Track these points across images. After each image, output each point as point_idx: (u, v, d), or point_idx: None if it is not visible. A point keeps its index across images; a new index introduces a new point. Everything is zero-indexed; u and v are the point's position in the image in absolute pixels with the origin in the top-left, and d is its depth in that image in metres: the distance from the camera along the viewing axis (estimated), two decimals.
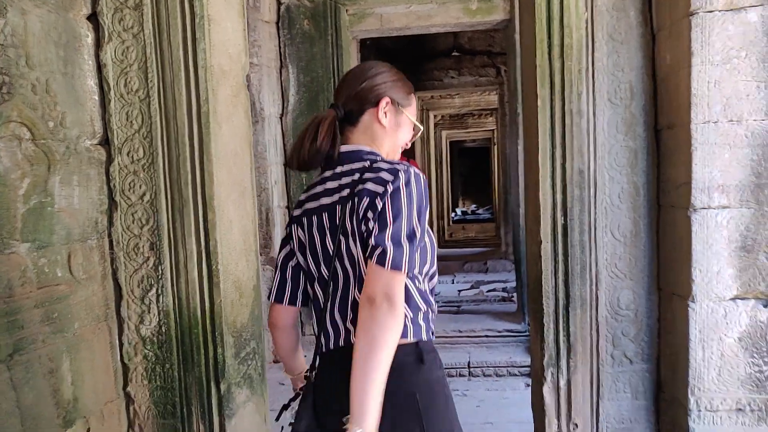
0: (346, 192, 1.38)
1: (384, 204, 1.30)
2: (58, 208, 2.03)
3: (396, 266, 1.26)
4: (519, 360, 4.17)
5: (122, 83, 2.23)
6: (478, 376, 4.13)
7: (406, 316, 1.35)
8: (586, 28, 2.14)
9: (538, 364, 2.32)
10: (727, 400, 2.00)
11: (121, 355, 2.33)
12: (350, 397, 1.21)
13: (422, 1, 4.35)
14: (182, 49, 2.20)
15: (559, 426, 2.27)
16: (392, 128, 1.47)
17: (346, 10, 4.44)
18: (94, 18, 2.21)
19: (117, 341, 2.33)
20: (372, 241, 1.29)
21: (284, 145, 4.49)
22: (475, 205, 20.15)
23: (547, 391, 2.25)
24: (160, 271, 2.28)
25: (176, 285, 2.29)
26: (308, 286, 1.50)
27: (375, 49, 7.35)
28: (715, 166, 1.91)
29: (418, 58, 8.30)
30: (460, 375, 4.16)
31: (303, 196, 1.49)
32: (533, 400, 2.49)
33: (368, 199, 1.32)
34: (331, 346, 1.41)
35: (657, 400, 2.21)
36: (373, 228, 1.30)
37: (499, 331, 4.45)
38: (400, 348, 1.29)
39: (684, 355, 2.01)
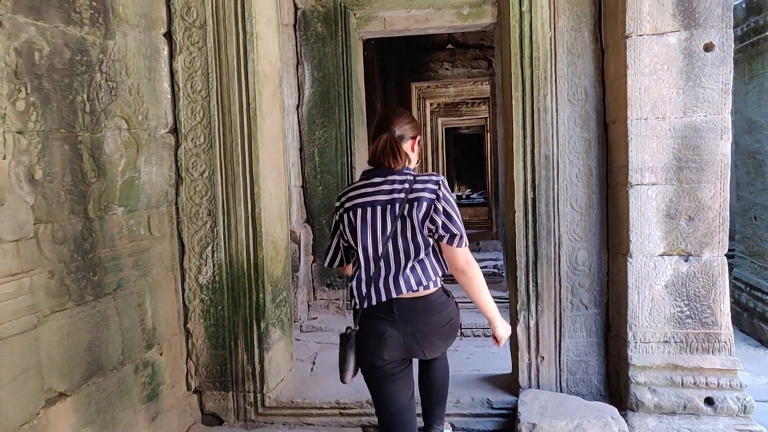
0: (401, 195, 2.02)
1: (442, 206, 2.00)
2: (142, 182, 2.67)
3: (467, 244, 2.06)
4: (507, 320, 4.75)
5: (189, 85, 2.85)
6: (468, 336, 4.71)
7: (436, 274, 2.08)
8: (550, 44, 2.72)
9: (513, 309, 2.92)
10: (657, 334, 2.59)
11: (183, 298, 2.97)
12: (485, 312, 2.13)
13: (421, 6, 4.92)
14: (236, 58, 2.82)
15: (529, 359, 2.87)
16: (417, 152, 2.22)
17: (354, 14, 5.03)
18: (168, 35, 2.83)
19: (180, 287, 2.96)
20: (445, 232, 2.00)
21: (300, 132, 5.08)
22: (470, 190, 20.60)
23: (520, 330, 2.85)
24: (216, 232, 2.91)
25: (228, 243, 2.92)
26: (349, 256, 2.21)
27: (376, 43, 7.89)
28: (646, 153, 2.49)
29: (415, 51, 8.88)
30: None
31: (352, 194, 2.11)
32: (511, 340, 3.08)
33: (426, 203, 2.00)
34: (394, 296, 2.02)
35: (606, 337, 2.80)
36: (442, 222, 2.00)
37: None
38: (435, 293, 2.08)
39: (625, 300, 2.60)
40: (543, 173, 2.76)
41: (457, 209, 2.03)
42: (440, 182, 2.04)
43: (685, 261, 2.53)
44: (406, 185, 2.03)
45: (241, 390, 2.98)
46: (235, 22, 2.81)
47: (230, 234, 2.92)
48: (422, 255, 2.04)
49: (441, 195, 2.01)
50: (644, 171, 2.51)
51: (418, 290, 2.03)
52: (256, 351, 2.97)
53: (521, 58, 2.72)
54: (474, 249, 8.92)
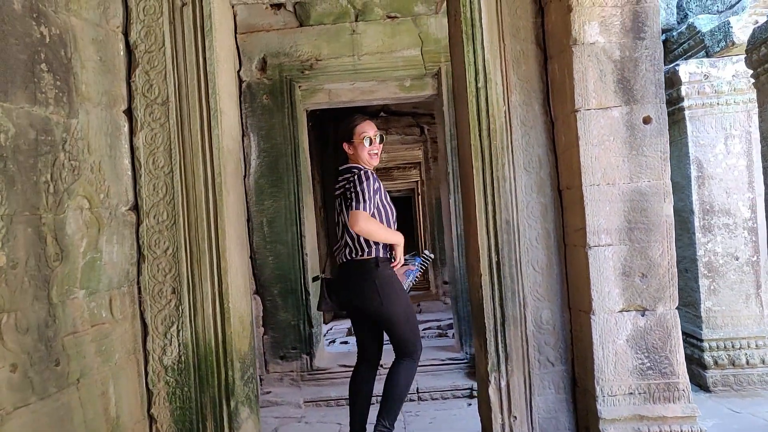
0: (341, 185, 3.05)
1: (354, 190, 2.91)
2: (103, 262, 2.57)
3: (363, 209, 2.88)
4: (461, 384, 4.78)
5: (151, 161, 2.82)
6: (426, 399, 4.71)
7: (369, 243, 2.99)
8: (505, 117, 2.91)
9: (483, 371, 2.97)
10: (622, 386, 2.70)
11: (147, 382, 2.83)
12: (384, 239, 3.00)
13: (365, 79, 5.12)
14: (200, 134, 2.83)
15: (503, 419, 2.90)
16: (353, 150, 3.14)
17: (299, 86, 5.16)
18: (129, 112, 2.81)
19: (143, 370, 2.83)
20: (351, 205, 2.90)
21: (247, 203, 5.06)
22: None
23: (492, 391, 2.89)
24: (181, 311, 2.82)
25: (194, 321, 2.83)
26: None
27: (314, 112, 8.05)
28: (600, 216, 2.67)
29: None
30: (410, 400, 4.67)
31: (335, 187, 3.11)
32: (479, 400, 3.12)
33: (347, 187, 2.98)
34: (343, 260, 3.06)
35: (573, 392, 2.89)
36: (351, 196, 2.92)
37: (443, 360, 5.06)
38: (366, 260, 3.01)
39: (590, 355, 2.71)
40: (505, 237, 2.89)
41: (363, 190, 2.88)
42: (357, 173, 2.98)
43: (642, 315, 2.69)
44: (342, 178, 3.11)
45: None
46: (199, 98, 2.83)
47: (196, 311, 2.83)
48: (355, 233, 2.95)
49: (347, 187, 2.99)
50: (600, 233, 2.68)
51: (352, 257, 3.04)
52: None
53: (480, 130, 2.89)
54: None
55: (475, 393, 4.52)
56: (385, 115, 9.20)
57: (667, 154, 2.65)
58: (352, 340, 6.94)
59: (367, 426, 3.24)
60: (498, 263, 2.89)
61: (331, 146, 9.28)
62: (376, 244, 2.98)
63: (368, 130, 3.13)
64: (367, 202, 2.87)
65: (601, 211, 2.68)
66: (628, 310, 2.70)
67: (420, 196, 13.05)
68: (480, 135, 2.90)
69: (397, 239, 3.03)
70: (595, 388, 2.69)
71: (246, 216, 5.01)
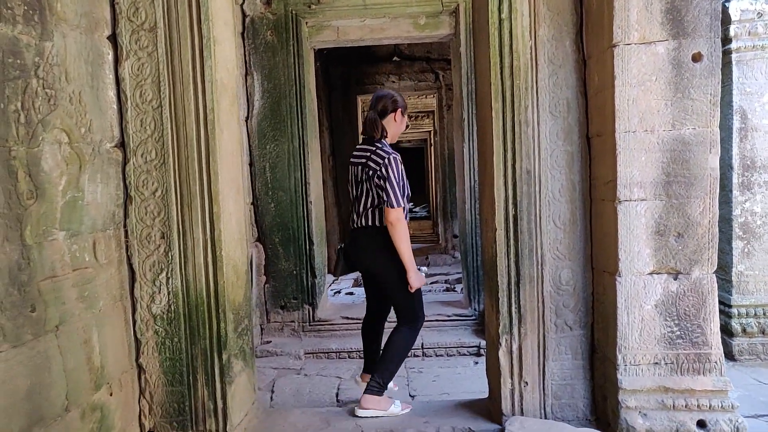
0: (364, 161, 3.11)
1: (383, 176, 3.00)
2: (86, 202, 2.35)
3: (398, 206, 2.97)
4: (467, 341, 4.60)
5: (138, 94, 2.55)
6: (431, 356, 4.54)
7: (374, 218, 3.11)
8: (531, 53, 2.60)
9: (494, 332, 2.76)
10: (647, 355, 2.49)
11: (135, 331, 2.65)
12: (403, 260, 3.01)
13: (375, 16, 4.75)
14: (191, 65, 2.56)
15: (512, 384, 2.71)
16: (399, 122, 3.24)
17: (306, 23, 4.81)
18: (113, 38, 2.53)
19: (131, 318, 2.64)
20: (381, 193, 3.01)
21: (249, 146, 4.80)
22: (411, 203, 20.60)
23: (502, 354, 2.70)
24: (170, 257, 2.62)
25: (184, 269, 2.62)
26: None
27: (321, 53, 7.70)
28: (634, 167, 2.40)
29: (360, 62, 8.71)
30: (415, 355, 4.53)
31: (353, 153, 3.21)
32: (488, 364, 2.93)
33: (371, 171, 3.05)
34: (355, 226, 3.19)
35: (592, 359, 2.69)
36: (380, 186, 3.01)
37: (449, 316, 4.87)
38: (376, 227, 3.10)
39: (613, 320, 2.49)
40: (525, 189, 2.63)
41: (395, 180, 2.97)
42: (387, 159, 3.01)
43: (675, 279, 2.45)
44: (368, 154, 3.11)
45: (202, 429, 2.67)
46: (190, 24, 2.55)
47: (186, 259, 2.63)
48: (369, 204, 3.10)
49: (377, 170, 3.02)
50: (633, 186, 2.42)
51: (364, 225, 3.14)
52: (218, 385, 2.68)
53: (501, 67, 2.59)
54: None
55: (482, 351, 4.36)
56: (397, 59, 8.79)
57: (717, 97, 2.35)
58: (359, 290, 6.79)
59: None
60: (515, 217, 2.64)
61: (339, 92, 8.92)
62: (373, 214, 3.15)
63: (404, 103, 3.28)
64: (400, 195, 3.00)
65: (636, 162, 2.41)
66: (659, 273, 2.45)
67: (432, 147, 12.69)
68: (502, 73, 2.60)
69: (410, 263, 3.02)
70: (616, 356, 2.48)
71: (249, 160, 4.77)
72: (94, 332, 2.34)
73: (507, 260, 2.66)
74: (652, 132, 2.40)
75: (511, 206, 2.64)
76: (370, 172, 3.04)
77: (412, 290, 3.05)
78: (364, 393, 3.04)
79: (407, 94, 9.64)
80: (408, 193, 3.11)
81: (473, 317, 4.83)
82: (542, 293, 2.67)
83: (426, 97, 10.12)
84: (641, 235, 2.44)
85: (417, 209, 18.38)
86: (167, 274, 2.62)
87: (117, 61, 2.54)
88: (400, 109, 3.18)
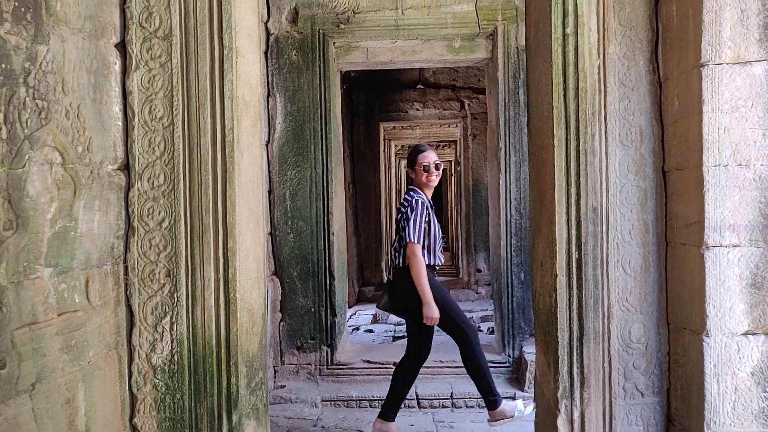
0: (399, 206, 3.65)
1: (403, 218, 3.49)
2: (80, 233, 2.01)
3: (413, 243, 3.38)
4: (501, 391, 4.18)
5: (147, 110, 2.24)
6: (461, 407, 4.12)
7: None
8: (599, 73, 2.26)
9: (551, 395, 2.36)
10: None
11: (130, 385, 2.28)
12: (420, 293, 3.37)
13: (407, 37, 4.46)
14: (209, 79, 2.24)
15: None
16: (415, 176, 3.65)
17: (333, 43, 4.53)
18: (121, 46, 2.23)
19: (126, 370, 2.28)
20: (402, 232, 3.46)
21: (269, 172, 4.49)
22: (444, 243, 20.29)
23: (562, 423, 2.28)
24: (176, 299, 2.26)
25: (192, 313, 2.27)
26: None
27: (347, 77, 7.45)
28: (726, 207, 2.02)
29: (384, 89, 8.47)
30: (443, 406, 4.15)
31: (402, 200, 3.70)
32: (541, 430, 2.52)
33: (398, 214, 3.62)
34: (394, 268, 3.63)
35: None
36: (402, 227, 3.50)
37: None
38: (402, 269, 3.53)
39: (698, 388, 2.08)
40: (590, 229, 2.25)
41: (414, 222, 3.40)
42: (409, 202, 3.51)
43: None
44: (402, 201, 3.65)
45: None
46: (210, 33, 2.23)
47: (195, 301, 2.27)
48: (398, 245, 3.54)
49: (403, 212, 3.51)
50: (724, 230, 2.03)
51: (395, 264, 3.58)
52: None
53: (565, 89, 2.24)
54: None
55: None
56: (422, 87, 8.52)
57: None
58: (378, 328, 6.40)
59: None
60: (579, 261, 2.26)
61: (362, 118, 8.64)
62: (428, 252, 3.50)
63: (426, 159, 3.59)
64: (415, 232, 3.40)
65: (728, 201, 2.02)
66: (755, 334, 2.05)
67: (453, 177, 12.35)
68: (565, 96, 2.25)
69: (427, 296, 3.34)
70: (703, 431, 2.06)
71: (268, 187, 4.45)
72: (80, 389, 1.98)
73: (569, 312, 2.27)
74: (748, 166, 2.03)
75: (574, 249, 2.26)
76: (399, 216, 3.56)
77: (428, 323, 3.36)
78: None
79: (431, 123, 9.38)
80: (438, 241, 3.54)
81: (507, 364, 4.41)
82: (609, 352, 2.27)
83: (450, 126, 9.83)
84: (734, 288, 2.04)
85: None
86: (172, 318, 2.27)
87: (125, 72, 2.23)
88: (409, 169, 3.70)
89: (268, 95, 4.50)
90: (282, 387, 4.36)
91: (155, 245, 2.26)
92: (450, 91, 8.61)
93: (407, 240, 3.36)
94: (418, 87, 8.58)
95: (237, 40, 2.27)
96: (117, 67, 2.21)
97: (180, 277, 2.26)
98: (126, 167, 2.26)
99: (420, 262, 3.35)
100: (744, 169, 2.02)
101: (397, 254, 3.54)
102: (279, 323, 4.50)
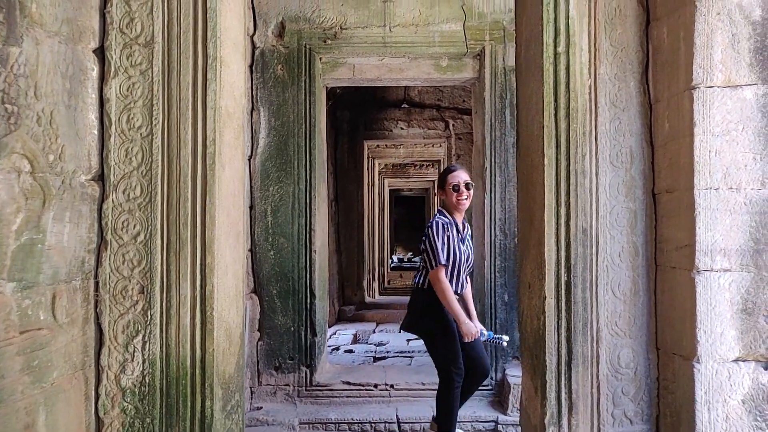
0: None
1: (424, 241, 3.41)
2: (47, 246, 1.90)
3: (437, 267, 3.30)
4: (483, 415, 4.12)
5: (125, 119, 2.15)
6: None
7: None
8: (590, 93, 2.23)
9: (537, 421, 2.29)
10: None
11: (96, 408, 2.16)
12: (452, 314, 3.32)
13: (395, 55, 4.43)
14: (191, 89, 2.17)
15: None
16: (444, 196, 3.52)
17: (320, 58, 4.48)
18: (100, 52, 2.14)
19: (93, 393, 2.15)
20: (425, 257, 3.40)
21: (251, 187, 4.39)
22: (411, 253, 20.28)
23: None
24: (149, 316, 2.15)
25: (166, 332, 2.16)
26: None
27: (332, 93, 7.41)
28: (717, 231, 1.99)
29: (369, 107, 8.44)
30: (424, 431, 4.06)
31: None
32: None
33: (427, 238, 3.42)
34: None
35: None
36: (426, 248, 3.40)
37: None
38: (422, 288, 3.44)
39: (688, 416, 2.03)
40: (580, 251, 2.21)
41: (433, 245, 3.32)
42: (428, 227, 3.44)
43: (766, 369, 2.00)
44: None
45: None
46: (194, 41, 2.16)
47: (169, 319, 2.16)
48: (421, 266, 3.53)
49: (425, 235, 3.41)
50: (715, 254, 2.00)
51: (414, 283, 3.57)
52: None
53: (556, 108, 2.21)
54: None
55: (500, 428, 3.87)
56: (407, 106, 8.51)
57: None
58: (358, 348, 6.29)
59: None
60: (568, 283, 2.21)
61: (346, 136, 8.60)
62: (449, 276, 3.37)
63: (456, 179, 3.43)
64: (436, 257, 3.32)
65: (719, 225, 1.99)
66: (746, 360, 2.01)
67: (436, 196, 12.34)
68: (556, 115, 2.22)
69: (460, 316, 3.30)
70: None
71: (249, 203, 4.36)
72: (41, 413, 1.85)
73: (557, 335, 2.21)
74: (738, 190, 2.00)
75: (563, 270, 2.21)
76: (423, 237, 3.45)
77: (466, 339, 3.32)
78: None
79: (415, 142, 9.36)
80: (466, 263, 3.45)
81: (489, 387, 4.32)
82: (597, 377, 2.22)
83: (434, 146, 9.82)
84: (725, 314, 2.00)
85: (416, 259, 17.94)
86: (144, 337, 2.16)
87: (103, 79, 2.14)
88: (444, 186, 3.47)
89: (252, 109, 4.42)
90: (259, 408, 4.22)
91: (129, 260, 2.16)
92: (435, 111, 8.61)
93: (431, 266, 3.31)
94: (403, 106, 8.57)
95: (222, 49, 2.20)
96: (95, 73, 2.12)
97: (154, 294, 2.16)
98: (101, 178, 2.16)
99: (444, 285, 3.27)
100: (735, 193, 2.00)
101: (417, 274, 3.53)
102: (257, 342, 4.38)
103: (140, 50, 2.15)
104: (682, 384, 2.07)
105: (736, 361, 2.01)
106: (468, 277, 3.58)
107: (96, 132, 2.13)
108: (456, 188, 3.39)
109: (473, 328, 3.31)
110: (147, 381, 2.16)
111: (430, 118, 8.55)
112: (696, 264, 2.01)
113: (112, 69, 2.13)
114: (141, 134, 2.16)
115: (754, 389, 2.00)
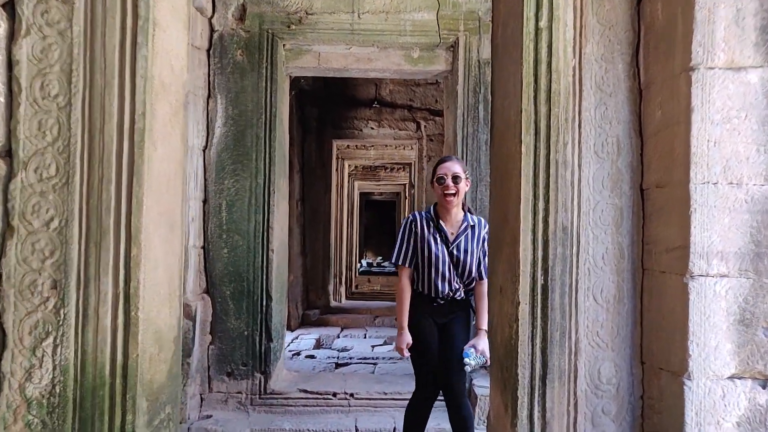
0: None
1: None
2: None
3: (396, 264, 3.19)
4: (448, 427, 3.89)
5: (38, 86, 1.84)
6: None
7: (417, 276, 3.19)
8: (574, 75, 1.99)
9: None
10: None
11: None
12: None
13: (363, 44, 4.19)
14: (119, 53, 1.87)
15: None
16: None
17: (283, 45, 4.21)
18: (10, 7, 1.83)
19: None
20: None
21: (205, 180, 4.09)
22: (380, 257, 20.08)
23: None
24: (62, 316, 1.85)
25: (82, 334, 1.86)
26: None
27: (296, 83, 7.11)
28: (714, 231, 1.77)
29: (338, 105, 8.19)
30: None
31: None
32: None
33: None
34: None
35: None
36: None
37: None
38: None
39: None
40: (559, 251, 1.96)
41: (399, 238, 3.14)
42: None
43: (764, 388, 1.78)
44: None
45: None
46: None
47: (87, 319, 1.86)
48: None
49: None
50: (711, 257, 1.77)
51: None
52: None
53: (536, 90, 1.97)
54: (393, 325, 8.02)
55: None
56: (378, 105, 8.27)
57: None
58: (321, 353, 6.01)
59: None
60: (545, 287, 1.97)
61: (314, 134, 8.31)
62: (418, 278, 3.13)
63: (443, 170, 3.06)
64: (394, 254, 3.14)
65: (716, 224, 1.77)
66: (743, 378, 1.79)
67: (407, 200, 12.10)
68: (536, 98, 1.98)
69: (400, 323, 3.13)
70: None
71: (203, 196, 4.05)
72: None
73: (531, 345, 1.97)
74: (740, 185, 1.78)
75: (540, 272, 1.96)
76: None
77: (397, 352, 3.16)
78: None
79: (386, 143, 9.13)
80: (435, 262, 3.06)
81: None
82: (575, 393, 1.97)
83: (405, 148, 9.59)
84: (720, 325, 1.78)
85: (386, 264, 17.73)
86: (56, 340, 1.84)
87: (12, 38, 1.83)
88: (433, 178, 3.15)
89: (209, 96, 4.12)
90: (208, 417, 3.90)
91: (40, 250, 1.85)
92: (407, 111, 8.39)
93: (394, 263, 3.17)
94: (374, 105, 8.32)
95: (156, 10, 1.91)
96: (2, 30, 1.81)
97: (69, 290, 1.85)
98: (8, 154, 1.85)
99: (398, 287, 3.14)
100: (735, 189, 1.78)
101: None
102: (208, 346, 4.06)
103: (58, 6, 1.84)
104: (670, 403, 1.84)
105: (731, 378, 1.78)
106: (476, 279, 3.14)
107: (2, 99, 1.82)
108: (441, 180, 3.02)
109: (402, 342, 3.11)
110: (58, 391, 1.85)
111: (401, 118, 8.32)
112: (689, 268, 1.78)
113: (24, 26, 1.82)
114: (58, 104, 1.85)
115: (750, 410, 1.78)
